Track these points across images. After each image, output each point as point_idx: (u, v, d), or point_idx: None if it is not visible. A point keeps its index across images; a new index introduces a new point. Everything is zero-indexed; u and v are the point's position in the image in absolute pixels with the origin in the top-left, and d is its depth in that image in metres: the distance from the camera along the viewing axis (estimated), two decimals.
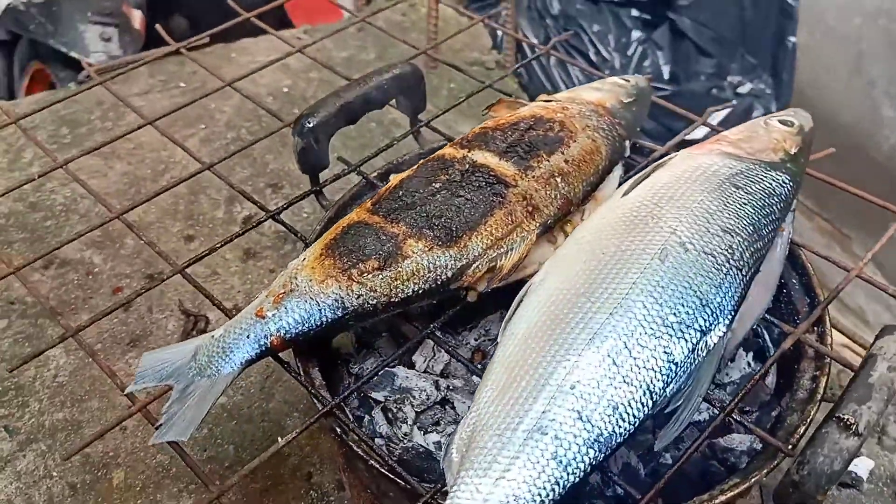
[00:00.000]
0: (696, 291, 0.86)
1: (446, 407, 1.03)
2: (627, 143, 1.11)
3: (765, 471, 0.85)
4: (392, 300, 0.93)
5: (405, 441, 0.97)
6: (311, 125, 1.09)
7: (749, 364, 1.07)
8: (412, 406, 1.01)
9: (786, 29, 2.67)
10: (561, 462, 0.78)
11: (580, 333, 0.83)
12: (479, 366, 0.99)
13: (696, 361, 0.84)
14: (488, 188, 0.98)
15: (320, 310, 0.91)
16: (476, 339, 1.09)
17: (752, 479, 0.85)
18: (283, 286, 0.93)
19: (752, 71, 2.68)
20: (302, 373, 0.96)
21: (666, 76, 2.55)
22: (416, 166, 1.04)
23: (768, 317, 0.98)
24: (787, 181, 0.99)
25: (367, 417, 1.01)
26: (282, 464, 1.25)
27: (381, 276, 0.92)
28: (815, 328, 0.99)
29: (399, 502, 0.96)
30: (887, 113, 2.69)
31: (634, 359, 0.82)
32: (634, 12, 2.65)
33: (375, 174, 1.18)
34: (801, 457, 0.74)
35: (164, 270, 1.45)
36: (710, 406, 0.93)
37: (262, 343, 0.91)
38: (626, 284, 0.86)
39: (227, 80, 1.30)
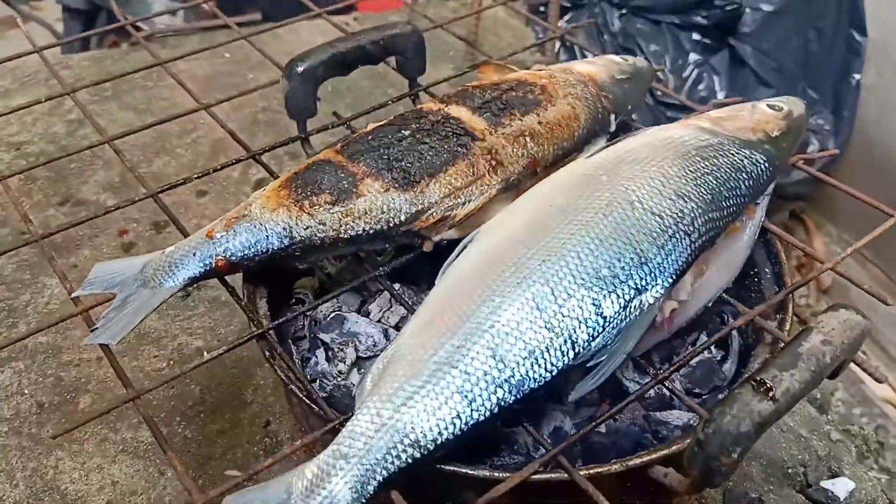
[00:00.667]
0: (636, 248, 0.83)
1: None
2: (613, 117, 1.09)
3: (688, 441, 0.81)
4: (341, 236, 0.93)
5: (339, 379, 0.97)
6: (300, 70, 1.11)
7: (710, 350, 1.02)
8: (356, 350, 1.00)
9: (851, 66, 2.59)
10: (466, 396, 0.76)
11: (509, 277, 0.82)
12: None
13: (627, 319, 0.82)
14: (454, 138, 0.98)
15: (267, 236, 0.92)
16: None
17: (674, 448, 0.81)
18: (238, 212, 0.95)
19: (812, 106, 2.60)
20: (245, 297, 0.97)
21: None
22: (390, 119, 1.05)
23: (725, 296, 0.95)
24: (760, 161, 0.95)
25: (313, 359, 1.01)
26: (243, 409, 1.26)
27: (331, 211, 0.93)
28: (777, 315, 0.95)
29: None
30: None
31: (559, 306, 0.80)
32: (695, 35, 2.61)
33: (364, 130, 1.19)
34: (709, 416, 0.71)
35: (168, 222, 1.49)
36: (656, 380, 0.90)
37: (207, 262, 0.92)
38: (565, 235, 0.84)
39: (267, 54, 1.32)
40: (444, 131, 0.99)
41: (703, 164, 0.91)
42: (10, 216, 1.55)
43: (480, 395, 0.76)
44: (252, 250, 0.93)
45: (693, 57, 2.57)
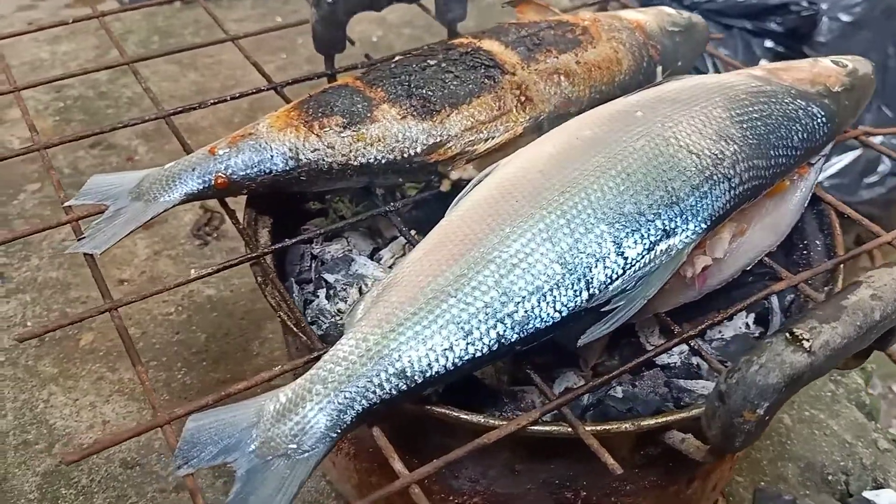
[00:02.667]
0: (666, 186, 0.75)
1: None
2: (659, 69, 1.00)
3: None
4: (350, 162, 0.87)
5: (337, 318, 0.90)
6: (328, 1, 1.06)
7: (748, 325, 0.93)
8: (359, 292, 0.93)
9: None
10: (462, 328, 0.68)
11: (522, 207, 0.74)
12: None
13: (651, 264, 0.73)
14: (482, 70, 0.91)
15: (272, 156, 0.86)
16: None
17: (694, 412, 0.72)
18: (244, 130, 0.89)
19: (887, 124, 2.46)
20: (245, 222, 0.91)
21: None
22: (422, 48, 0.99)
23: (767, 260, 0.85)
24: (817, 114, 0.86)
25: (315, 301, 0.95)
26: (247, 361, 1.20)
27: (342, 134, 0.86)
28: (825, 288, 0.85)
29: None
30: None
31: (575, 240, 0.71)
32: (768, 43, 2.49)
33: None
34: (734, 366, 0.62)
35: None
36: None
37: (206, 179, 0.86)
38: (589, 167, 0.76)
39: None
40: (472, 62, 0.91)
41: (751, 109, 0.82)
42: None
43: (478, 328, 0.68)
44: (254, 170, 0.86)
45: (763, 63, 2.45)
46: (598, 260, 0.71)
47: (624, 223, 0.73)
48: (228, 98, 1.07)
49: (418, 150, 0.87)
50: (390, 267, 0.98)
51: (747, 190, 0.79)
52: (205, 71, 1.81)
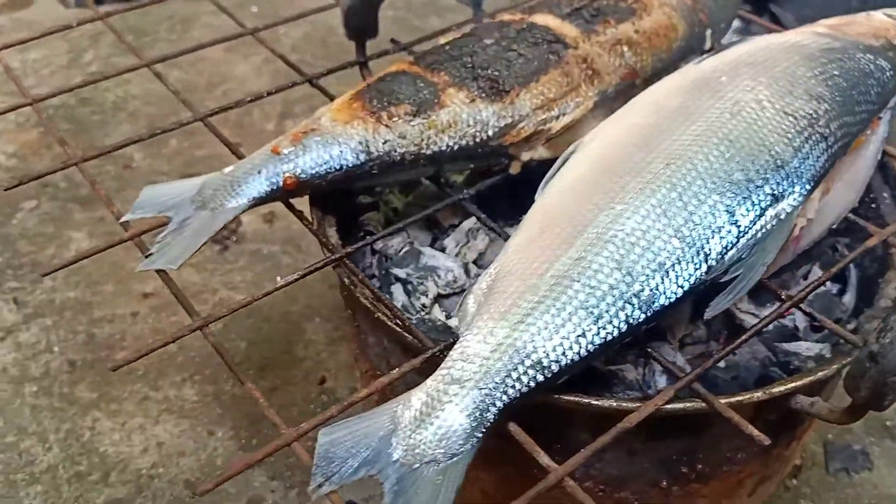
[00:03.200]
0: (769, 150, 0.74)
1: None
2: (709, 32, 1.00)
3: (835, 366, 0.72)
4: (423, 151, 0.83)
5: (422, 313, 0.87)
6: None
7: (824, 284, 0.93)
8: (436, 284, 0.90)
9: None
10: (592, 313, 0.66)
11: (629, 182, 0.72)
12: None
13: (764, 230, 0.72)
14: (545, 45, 0.88)
15: (341, 151, 0.82)
16: None
17: (820, 374, 0.72)
18: (305, 126, 0.85)
19: None
20: (315, 223, 0.87)
21: None
22: (466, 33, 0.95)
23: (852, 216, 0.85)
24: (886, 68, 0.86)
25: (388, 297, 0.91)
26: (295, 366, 1.16)
27: (412, 122, 0.83)
28: None
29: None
30: None
31: (690, 213, 0.70)
32: None
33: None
34: (883, 323, 0.61)
35: (201, 171, 1.38)
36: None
37: (273, 181, 0.82)
38: (690, 136, 0.74)
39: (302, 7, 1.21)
40: (533, 38, 0.89)
41: (830, 67, 0.82)
42: (29, 168, 1.45)
43: (608, 311, 0.66)
44: (325, 167, 0.82)
45: (735, 24, 2.47)
46: (713, 231, 0.70)
47: (735, 191, 0.71)
48: (265, 94, 1.02)
49: (490, 133, 0.84)
50: (456, 255, 0.95)
51: (840, 148, 0.78)
52: (188, 69, 1.74)
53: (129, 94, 1.64)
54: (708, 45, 1.00)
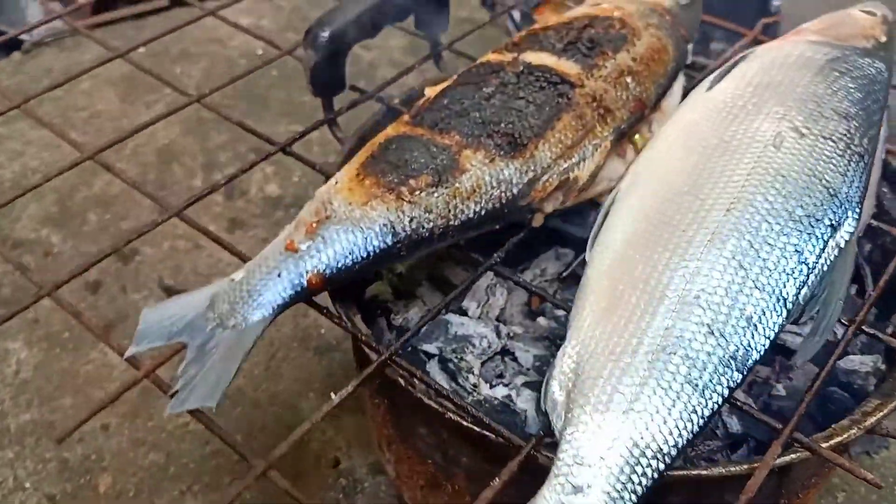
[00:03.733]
0: (821, 180, 0.72)
1: (506, 358, 0.88)
2: (690, 47, 0.98)
3: None
4: (451, 223, 0.77)
5: (474, 394, 0.81)
6: (326, 35, 0.93)
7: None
8: (473, 355, 0.85)
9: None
10: (697, 386, 0.63)
11: (695, 235, 0.69)
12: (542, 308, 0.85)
13: (828, 262, 0.70)
14: (551, 89, 0.83)
15: (366, 238, 0.75)
16: (532, 280, 0.93)
17: None
18: (316, 213, 0.77)
19: (736, 38, 2.60)
20: (347, 322, 0.79)
21: None
22: (455, 76, 0.89)
23: (874, 223, 0.85)
24: (883, 70, 0.86)
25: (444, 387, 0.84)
26: (302, 452, 1.07)
27: (436, 194, 0.76)
28: None
29: (474, 467, 0.79)
30: None
31: (763, 260, 0.68)
32: None
33: (398, 101, 1.01)
34: None
35: (137, 248, 1.26)
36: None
37: (296, 282, 0.73)
38: (741, 176, 0.72)
39: (193, 41, 1.11)
40: (537, 82, 0.84)
41: (843, 79, 0.82)
42: None
43: (711, 381, 0.64)
44: (350, 258, 0.75)
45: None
46: (787, 274, 0.68)
47: (799, 228, 0.70)
48: (240, 173, 0.92)
49: (515, 191, 0.79)
50: (480, 318, 0.89)
51: (870, 160, 0.78)
52: (86, 128, 1.57)
53: (26, 168, 1.46)
54: (689, 59, 0.98)
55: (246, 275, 0.74)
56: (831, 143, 0.74)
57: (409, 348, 0.86)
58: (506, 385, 0.84)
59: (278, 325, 1.05)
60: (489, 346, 0.86)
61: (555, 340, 0.87)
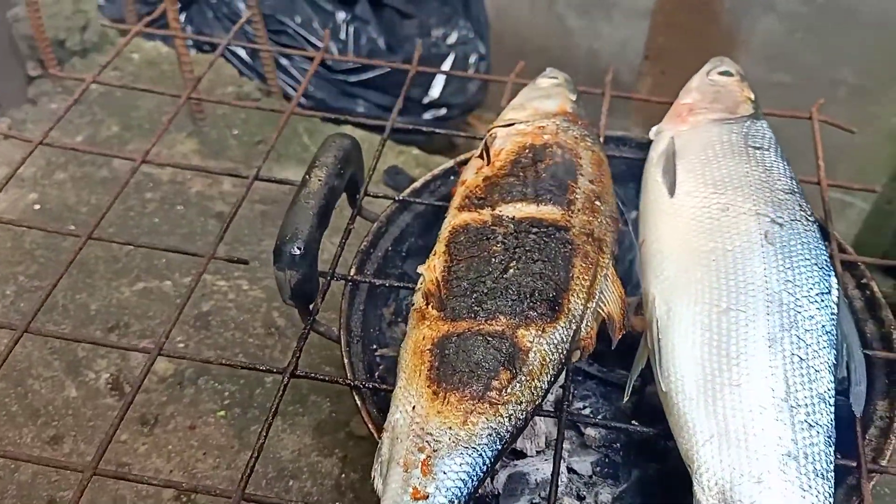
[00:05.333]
0: (805, 256, 0.87)
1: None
2: (600, 138, 1.07)
3: None
4: (538, 402, 0.81)
5: None
6: (300, 250, 0.89)
7: None
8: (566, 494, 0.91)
9: None
10: (823, 476, 0.76)
11: (764, 346, 0.80)
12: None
13: (832, 318, 0.85)
14: (552, 240, 0.89)
15: (481, 454, 0.76)
16: None
17: None
18: (419, 450, 0.76)
19: (450, 20, 2.74)
20: None
21: (384, 48, 2.50)
22: (442, 251, 0.90)
23: None
24: (767, 126, 1.03)
25: None
26: None
27: (518, 384, 0.80)
28: None
29: None
30: (574, 23, 2.92)
31: (808, 345, 0.82)
32: None
33: (353, 271, 1.01)
34: None
35: None
36: None
37: None
38: (759, 277, 0.84)
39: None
40: (539, 239, 0.88)
41: (763, 154, 0.97)
42: None
43: (828, 470, 0.76)
44: (474, 479, 0.76)
45: (340, 15, 2.50)
46: (825, 347, 0.82)
47: (817, 306, 0.84)
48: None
49: (567, 348, 0.85)
50: (538, 453, 0.95)
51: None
52: None
53: None
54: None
55: None
56: (799, 223, 0.89)
57: None
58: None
59: None
60: (568, 481, 0.92)
61: None
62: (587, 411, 1.02)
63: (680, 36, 2.73)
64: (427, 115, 2.57)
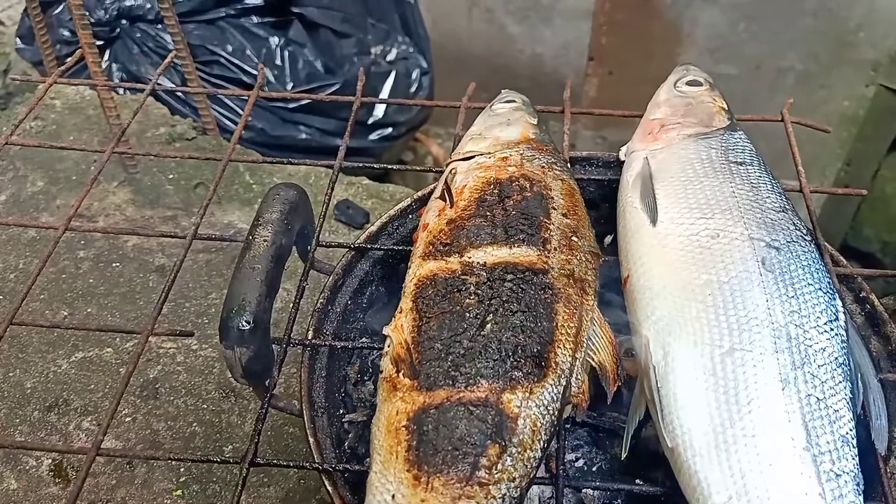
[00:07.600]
0: (808, 281, 0.80)
1: None
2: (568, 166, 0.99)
3: None
4: (530, 474, 0.72)
5: None
6: (250, 324, 0.78)
7: None
8: None
9: None
10: None
11: (777, 389, 0.72)
12: None
13: (844, 350, 0.79)
14: (530, 286, 0.80)
15: None
16: None
17: None
18: None
19: (389, 36, 2.64)
20: None
21: (323, 70, 2.40)
22: (409, 308, 0.80)
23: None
24: (745, 136, 0.96)
25: None
26: None
27: (510, 460, 0.71)
28: None
29: None
30: (514, 30, 2.86)
31: (822, 381, 0.74)
32: (256, 19, 2.42)
33: (311, 334, 0.90)
34: None
35: None
36: None
37: None
38: (762, 310, 0.77)
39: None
40: (515, 287, 0.80)
41: (747, 169, 0.90)
42: None
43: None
44: None
45: (273, 41, 2.39)
46: (841, 380, 0.75)
47: (827, 337, 0.77)
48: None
49: (558, 406, 0.76)
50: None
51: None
52: None
53: None
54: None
55: None
56: (796, 244, 0.82)
57: None
58: None
59: None
60: None
61: None
62: (580, 463, 0.94)
63: (623, 34, 2.68)
64: (373, 136, 2.47)
